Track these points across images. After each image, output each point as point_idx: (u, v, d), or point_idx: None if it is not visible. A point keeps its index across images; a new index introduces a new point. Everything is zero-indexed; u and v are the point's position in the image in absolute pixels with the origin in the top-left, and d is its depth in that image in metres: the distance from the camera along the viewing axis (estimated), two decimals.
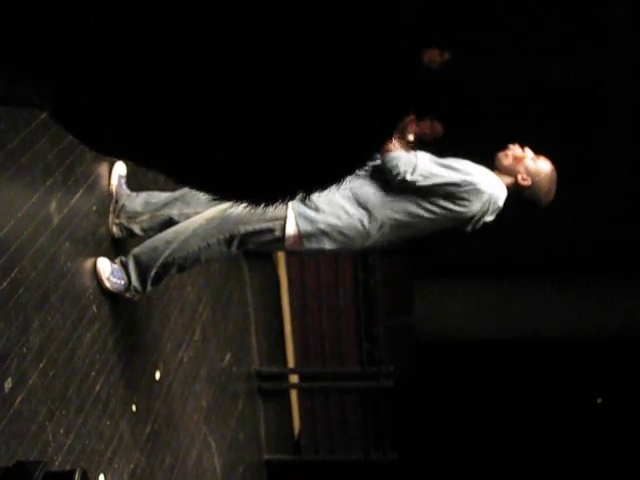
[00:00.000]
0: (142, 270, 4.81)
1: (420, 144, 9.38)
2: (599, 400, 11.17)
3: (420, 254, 10.34)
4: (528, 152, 4.86)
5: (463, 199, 4.64)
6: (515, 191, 4.81)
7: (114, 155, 0.82)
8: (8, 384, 3.72)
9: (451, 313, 11.24)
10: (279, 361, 8.66)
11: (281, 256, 8.59)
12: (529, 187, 4.80)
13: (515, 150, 4.86)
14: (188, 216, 4.85)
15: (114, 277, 4.76)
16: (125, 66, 0.71)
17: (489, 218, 4.73)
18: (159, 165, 0.78)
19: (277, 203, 0.77)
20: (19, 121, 3.92)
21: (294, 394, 9.09)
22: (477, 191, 4.64)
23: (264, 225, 4.70)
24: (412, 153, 4.73)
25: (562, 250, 11.10)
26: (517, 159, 4.82)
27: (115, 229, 4.93)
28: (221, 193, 0.77)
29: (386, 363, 8.56)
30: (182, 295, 6.06)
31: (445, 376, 10.57)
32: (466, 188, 4.63)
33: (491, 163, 4.87)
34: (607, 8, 10.82)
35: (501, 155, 4.86)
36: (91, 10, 0.71)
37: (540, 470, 10.19)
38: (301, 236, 4.71)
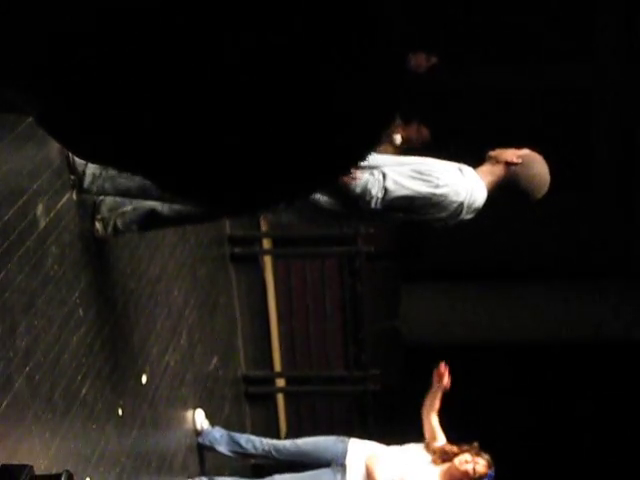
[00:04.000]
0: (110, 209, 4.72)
1: (407, 150, 9.41)
2: None
3: (408, 258, 10.35)
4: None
5: (430, 209, 4.56)
6: (505, 185, 4.69)
7: (99, 162, 0.83)
8: None
9: (438, 317, 11.25)
10: (266, 365, 8.66)
11: (268, 260, 8.59)
12: (519, 176, 4.64)
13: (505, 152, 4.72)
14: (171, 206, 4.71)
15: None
16: (108, 74, 0.71)
17: (467, 217, 4.64)
18: (145, 173, 0.78)
19: (259, 213, 0.78)
20: (6, 124, 3.91)
21: (280, 398, 9.09)
22: (445, 202, 4.52)
23: None
24: (378, 171, 4.48)
25: (551, 253, 11.12)
26: (506, 156, 4.65)
27: (97, 224, 4.82)
28: (206, 205, 0.78)
29: (373, 367, 8.56)
30: (168, 299, 6.06)
31: (432, 380, 10.57)
32: (434, 200, 4.51)
33: (477, 163, 4.80)
34: (595, 11, 10.85)
35: (491, 155, 4.72)
36: (69, 17, 0.71)
37: (531, 474, 10.19)
38: None
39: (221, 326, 7.32)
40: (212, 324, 7.07)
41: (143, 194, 4.56)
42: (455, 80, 10.54)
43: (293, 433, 9.11)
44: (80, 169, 4.54)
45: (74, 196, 4.61)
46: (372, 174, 4.47)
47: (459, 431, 10.26)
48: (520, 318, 11.12)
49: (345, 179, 4.32)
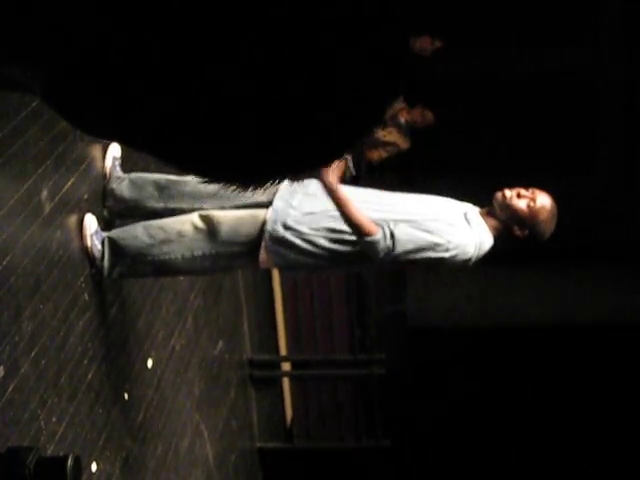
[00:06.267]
0: (115, 254, 4.67)
1: (411, 131, 9.40)
2: None
3: None
4: (524, 192, 4.64)
5: (439, 267, 4.68)
6: (511, 230, 4.68)
7: (106, 137, 0.83)
8: (0, 372, 3.72)
9: (444, 300, 11.25)
10: (271, 349, 8.67)
11: None
12: (525, 224, 4.64)
13: (512, 198, 4.62)
14: (173, 210, 4.77)
15: (96, 239, 4.64)
16: (120, 48, 0.71)
17: (470, 264, 4.65)
18: (149, 147, 0.78)
19: (266, 185, 0.77)
20: (10, 109, 3.91)
21: (286, 382, 9.10)
22: (454, 261, 4.53)
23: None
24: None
25: (560, 235, 11.09)
26: (511, 208, 4.60)
27: (105, 211, 4.90)
28: (210, 175, 0.78)
29: (378, 351, 8.57)
30: (174, 283, 6.06)
31: (437, 364, 10.58)
32: (442, 262, 4.54)
33: (485, 199, 4.74)
34: (599, 4, 10.81)
35: (497, 201, 4.65)
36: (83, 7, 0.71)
37: (535, 458, 10.21)
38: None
39: (226, 310, 7.33)
40: (217, 308, 7.07)
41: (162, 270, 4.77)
42: (457, 64, 10.51)
43: (299, 417, 9.14)
44: (98, 263, 4.67)
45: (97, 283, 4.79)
46: (384, 233, 4.45)
47: (464, 415, 10.28)
48: (527, 301, 11.12)
49: (361, 228, 4.39)
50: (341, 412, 9.19)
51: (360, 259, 4.59)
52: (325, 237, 4.55)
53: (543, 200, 4.64)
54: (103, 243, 4.68)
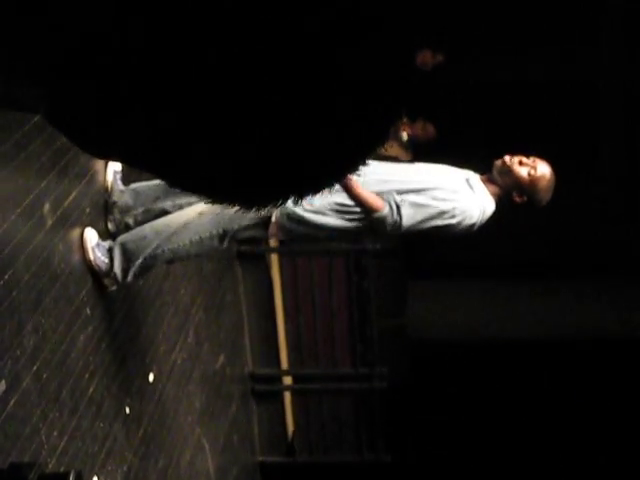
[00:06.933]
0: (127, 258, 4.72)
1: (413, 145, 9.41)
2: None
3: (414, 255, 10.34)
4: (526, 160, 4.75)
5: (445, 234, 4.73)
6: (510, 196, 4.79)
7: (107, 157, 0.82)
8: (1, 386, 3.71)
9: (445, 314, 11.24)
10: (272, 363, 8.66)
11: (274, 258, 8.59)
12: (524, 190, 4.76)
13: (513, 165, 4.73)
14: (181, 206, 4.83)
15: (99, 251, 4.66)
16: (123, 67, 0.71)
17: (474, 229, 4.75)
18: (153, 168, 0.77)
19: (269, 207, 0.77)
20: (13, 122, 3.91)
21: (287, 396, 9.09)
22: (460, 226, 4.65)
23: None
24: (394, 199, 4.59)
25: (560, 250, 11.10)
26: (513, 175, 4.71)
27: (110, 225, 4.92)
28: (214, 197, 0.77)
29: (380, 365, 8.56)
30: (175, 297, 6.06)
31: (439, 378, 10.57)
32: (449, 227, 4.65)
33: (485, 167, 4.83)
34: (600, 5, 10.84)
35: (497, 167, 4.77)
36: (88, 9, 0.71)
37: (536, 472, 10.19)
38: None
39: (228, 324, 7.32)
40: (219, 322, 7.07)
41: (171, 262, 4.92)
42: (458, 73, 10.52)
43: (300, 431, 9.12)
44: (108, 273, 4.72)
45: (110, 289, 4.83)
46: (391, 208, 4.56)
47: (465, 429, 10.27)
48: (528, 315, 11.11)
49: (367, 204, 4.52)
50: (342, 426, 9.17)
51: (369, 232, 4.85)
52: (334, 211, 4.64)
53: (543, 169, 4.76)
54: (109, 251, 4.71)
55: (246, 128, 0.71)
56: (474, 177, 4.78)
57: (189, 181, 0.77)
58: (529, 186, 4.72)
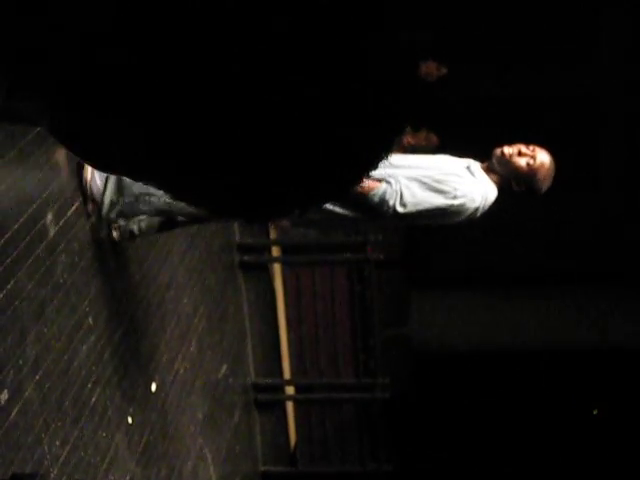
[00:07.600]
0: (119, 190, 4.57)
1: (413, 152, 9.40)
2: (595, 411, 11.16)
3: (417, 265, 10.33)
4: (525, 150, 4.76)
5: (447, 219, 4.70)
6: (509, 185, 4.80)
7: (111, 171, 0.82)
8: (4, 396, 3.71)
9: (448, 324, 11.23)
10: (275, 373, 8.65)
11: (277, 267, 8.59)
12: (523, 178, 4.74)
13: (512, 156, 4.75)
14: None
15: (97, 176, 4.52)
16: (124, 84, 0.71)
17: (478, 215, 4.75)
18: (156, 182, 0.78)
19: (269, 221, 0.77)
20: (15, 132, 3.92)
21: (290, 406, 9.08)
22: (462, 210, 4.64)
23: None
24: (392, 180, 4.55)
25: (563, 259, 11.09)
26: (511, 165, 4.73)
27: (114, 234, 4.87)
28: (218, 212, 0.78)
29: (382, 375, 8.55)
30: (178, 307, 6.06)
31: (441, 388, 10.56)
32: (451, 210, 4.63)
33: (485, 155, 4.83)
34: (602, 17, 10.84)
35: (496, 157, 4.78)
36: (88, 9, 0.71)
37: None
38: None
39: (230, 334, 7.32)
40: (221, 332, 7.06)
41: (162, 214, 4.66)
42: (462, 87, 10.53)
43: (303, 441, 9.10)
44: (97, 198, 4.58)
45: (91, 221, 4.65)
46: (390, 184, 4.55)
47: (467, 439, 10.25)
48: (530, 326, 11.10)
49: (362, 188, 4.43)
50: (345, 436, 9.16)
51: (369, 218, 4.77)
52: None
53: (542, 157, 4.77)
54: (106, 181, 4.56)
55: (249, 141, 0.72)
56: (475, 164, 4.80)
57: (191, 196, 0.78)
58: (528, 176, 4.73)
